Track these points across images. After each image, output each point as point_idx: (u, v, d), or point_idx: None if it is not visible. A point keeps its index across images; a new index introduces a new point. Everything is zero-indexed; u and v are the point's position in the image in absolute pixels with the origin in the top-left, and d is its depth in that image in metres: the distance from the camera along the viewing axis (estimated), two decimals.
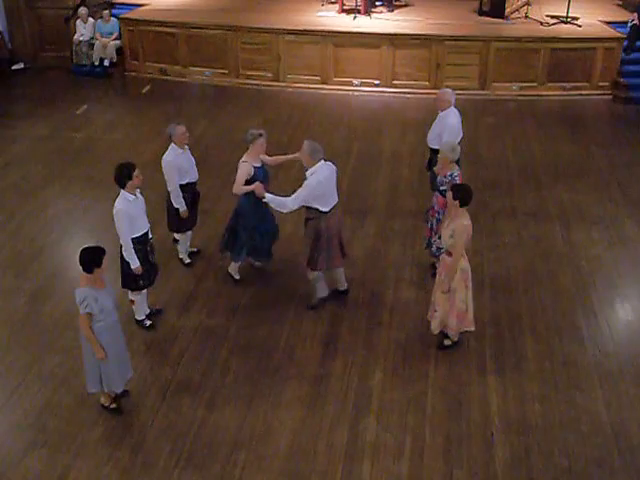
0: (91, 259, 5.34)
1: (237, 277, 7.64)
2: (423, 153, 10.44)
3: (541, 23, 13.00)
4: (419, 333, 6.83)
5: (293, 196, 6.54)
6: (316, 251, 6.75)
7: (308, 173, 6.57)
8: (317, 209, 6.60)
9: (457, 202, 6.05)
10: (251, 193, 6.85)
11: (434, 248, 7.32)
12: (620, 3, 14.31)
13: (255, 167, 6.95)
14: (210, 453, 5.60)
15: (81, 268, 5.37)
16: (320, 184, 6.48)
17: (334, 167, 6.73)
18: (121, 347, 5.80)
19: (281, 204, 6.63)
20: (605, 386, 6.22)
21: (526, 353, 6.61)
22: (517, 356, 6.57)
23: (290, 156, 7.32)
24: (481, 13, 13.51)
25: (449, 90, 8.09)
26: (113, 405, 5.98)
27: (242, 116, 11.98)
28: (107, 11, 13.68)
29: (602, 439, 5.70)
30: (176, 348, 6.71)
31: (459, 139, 7.90)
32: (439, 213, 7.18)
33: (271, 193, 6.71)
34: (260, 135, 7.01)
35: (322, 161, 6.57)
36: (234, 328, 6.96)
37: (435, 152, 7.69)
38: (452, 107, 7.98)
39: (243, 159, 6.97)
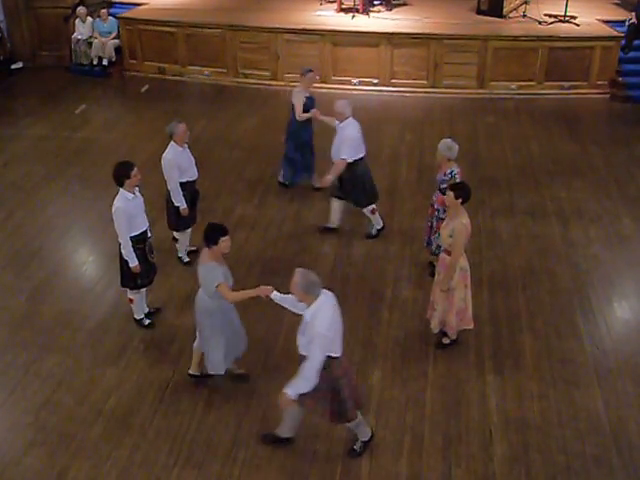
0: (212, 235, 5.45)
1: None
2: (422, 152, 10.53)
3: (539, 22, 13.01)
4: (418, 331, 6.84)
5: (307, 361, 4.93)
6: (342, 403, 5.15)
7: (307, 316, 4.91)
8: (329, 356, 4.95)
9: (459, 200, 6.08)
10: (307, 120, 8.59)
11: (434, 246, 7.34)
12: (618, 2, 14.31)
13: (308, 97, 8.60)
14: (209, 452, 5.61)
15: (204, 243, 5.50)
16: (331, 326, 4.87)
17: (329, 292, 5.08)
18: (232, 332, 5.83)
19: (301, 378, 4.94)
20: (603, 384, 6.23)
21: (524, 351, 6.62)
22: (515, 354, 6.59)
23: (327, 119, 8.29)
24: (479, 12, 13.53)
25: (344, 101, 7.87)
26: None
27: (241, 115, 11.99)
28: (104, 10, 13.70)
29: (600, 437, 5.71)
30: (175, 347, 6.72)
31: (360, 152, 7.81)
32: (438, 211, 7.19)
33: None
34: (311, 71, 8.62)
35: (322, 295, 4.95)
36: None
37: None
38: (350, 118, 7.78)
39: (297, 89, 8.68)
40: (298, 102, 8.64)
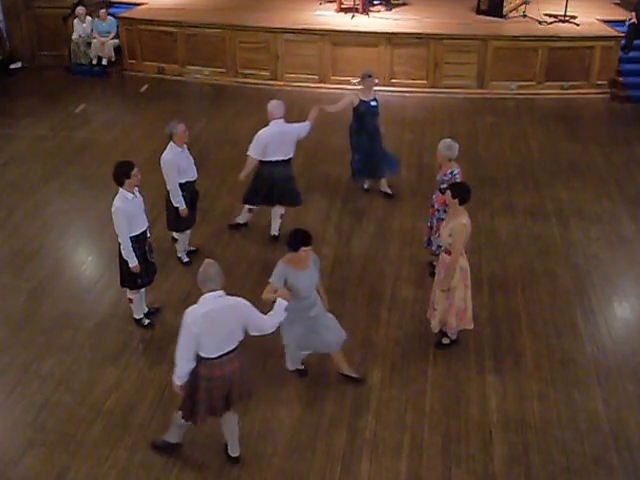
0: (295, 242, 5.44)
1: (366, 186, 9.29)
2: (421, 152, 10.52)
3: (539, 22, 13.01)
4: (417, 331, 6.83)
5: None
6: (191, 401, 5.14)
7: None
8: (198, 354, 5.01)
9: (456, 200, 6.06)
10: (358, 121, 8.75)
11: (434, 246, 7.33)
12: (618, 2, 14.33)
13: (363, 100, 8.66)
14: (209, 452, 5.60)
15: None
16: (199, 323, 4.84)
17: (233, 301, 5.02)
18: (306, 328, 5.82)
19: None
20: (603, 384, 6.23)
21: (524, 351, 6.62)
22: (515, 354, 6.58)
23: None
24: (479, 12, 13.53)
25: (276, 102, 7.79)
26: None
27: (240, 115, 11.98)
28: (104, 10, 13.70)
29: (600, 437, 5.70)
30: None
31: (273, 155, 7.70)
32: (439, 211, 7.19)
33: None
34: (369, 76, 8.64)
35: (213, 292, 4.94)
36: None
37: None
38: (277, 120, 7.67)
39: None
40: (344, 100, 8.76)
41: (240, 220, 8.52)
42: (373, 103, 8.75)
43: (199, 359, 5.01)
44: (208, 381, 5.03)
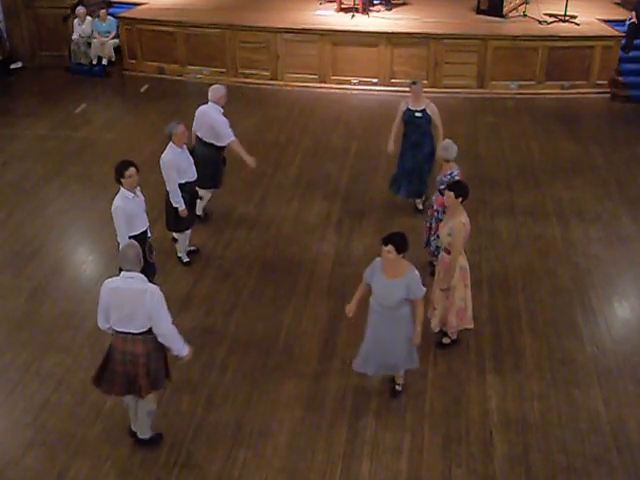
0: (385, 236, 5.42)
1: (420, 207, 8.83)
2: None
3: (539, 21, 13.01)
4: None
5: None
6: (103, 367, 5.40)
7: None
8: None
9: (459, 199, 6.08)
10: (404, 128, 8.37)
11: (433, 247, 7.33)
12: (618, 1, 14.32)
13: (409, 108, 8.25)
14: (209, 451, 5.59)
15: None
16: (105, 296, 5.16)
17: (142, 287, 5.09)
18: (379, 338, 5.77)
19: None
20: (603, 384, 6.23)
21: (524, 351, 6.61)
22: (516, 354, 6.58)
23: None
24: (479, 12, 13.53)
25: (212, 86, 8.27)
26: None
27: (240, 115, 11.92)
28: (104, 10, 13.71)
29: (601, 437, 5.70)
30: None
31: (198, 132, 8.11)
32: (438, 212, 7.19)
33: None
34: (414, 83, 8.21)
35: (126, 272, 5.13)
36: (232, 326, 6.96)
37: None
38: (212, 103, 8.10)
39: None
40: (396, 118, 8.45)
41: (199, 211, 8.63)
42: (418, 114, 8.19)
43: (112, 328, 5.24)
44: (112, 350, 5.26)
